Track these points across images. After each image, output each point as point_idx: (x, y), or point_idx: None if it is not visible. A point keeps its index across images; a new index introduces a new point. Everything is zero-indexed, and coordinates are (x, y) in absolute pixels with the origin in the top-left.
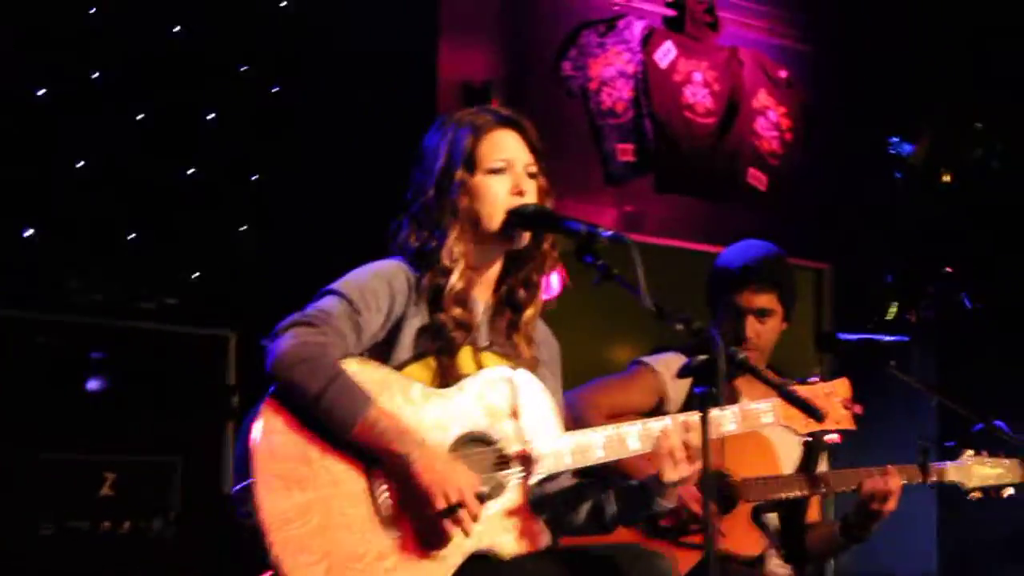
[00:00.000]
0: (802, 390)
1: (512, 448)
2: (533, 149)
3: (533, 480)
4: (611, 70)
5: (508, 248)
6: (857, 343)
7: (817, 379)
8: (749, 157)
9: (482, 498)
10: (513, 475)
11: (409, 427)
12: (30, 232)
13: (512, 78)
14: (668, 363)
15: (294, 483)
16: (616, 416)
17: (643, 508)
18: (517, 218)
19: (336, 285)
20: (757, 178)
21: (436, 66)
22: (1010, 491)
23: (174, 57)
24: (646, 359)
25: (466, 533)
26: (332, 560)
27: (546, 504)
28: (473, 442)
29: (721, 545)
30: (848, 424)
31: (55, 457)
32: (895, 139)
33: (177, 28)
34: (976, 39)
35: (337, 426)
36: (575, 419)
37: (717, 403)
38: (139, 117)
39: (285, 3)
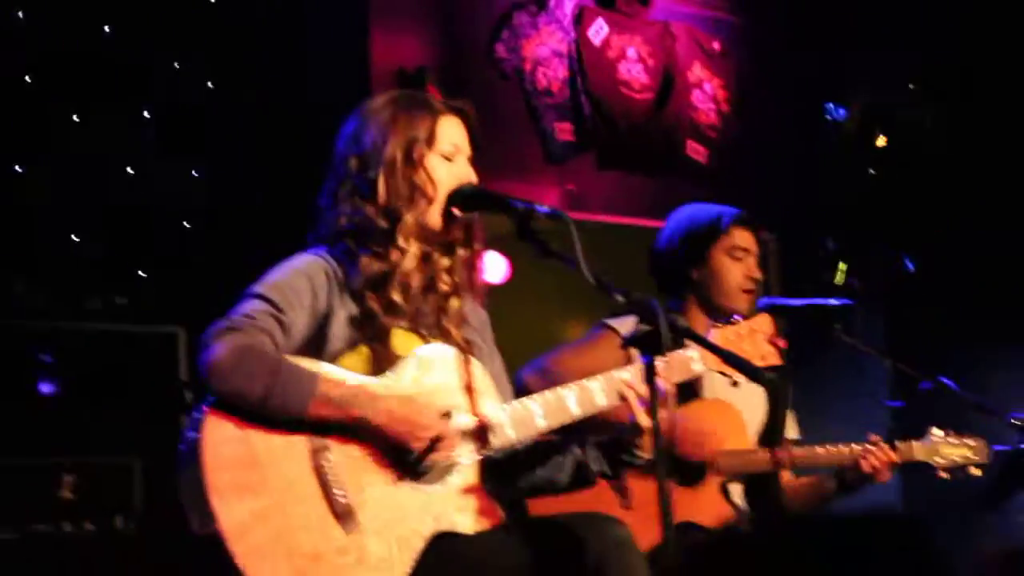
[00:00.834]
0: (728, 331)
1: (461, 430)
2: (474, 141)
3: (488, 455)
4: (545, 50)
5: (446, 235)
6: (802, 308)
7: (738, 318)
8: (688, 130)
9: (446, 414)
10: (464, 452)
11: (358, 386)
12: None
13: (446, 62)
14: (628, 325)
15: (247, 491)
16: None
17: (623, 461)
18: (456, 198)
19: (256, 287)
20: (696, 151)
21: (369, 53)
22: (977, 471)
23: (106, 54)
24: (609, 321)
25: (448, 455)
26: (294, 562)
27: (524, 470)
28: None
29: (689, 516)
30: (775, 359)
31: (12, 463)
32: (829, 104)
33: (107, 29)
34: None
35: (291, 413)
36: (549, 384)
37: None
38: (75, 118)
39: None
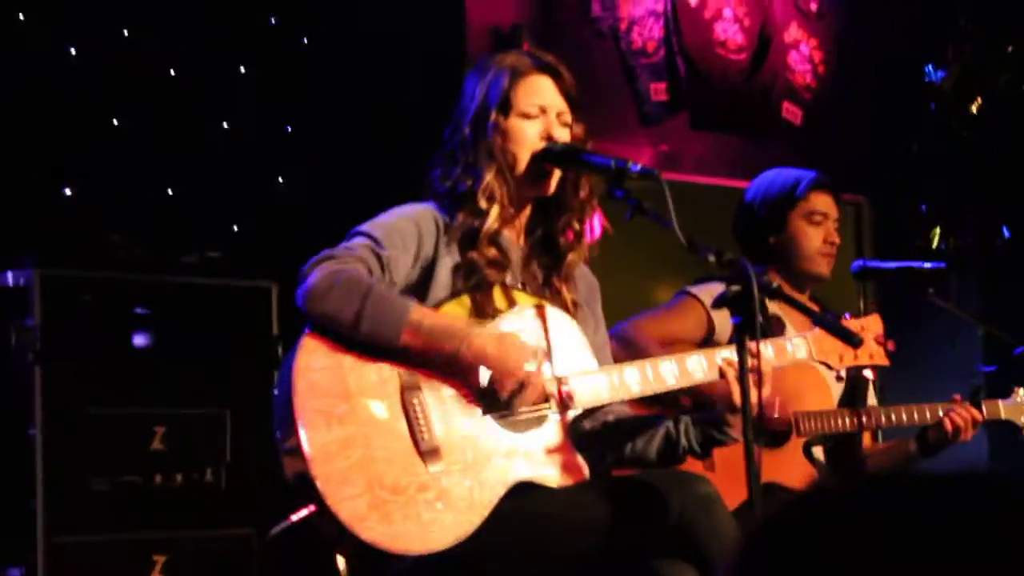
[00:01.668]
0: None
1: (550, 383)
2: (568, 97)
3: (571, 415)
4: (640, 9)
5: (538, 192)
6: (895, 271)
7: (849, 316)
8: (783, 91)
9: (538, 362)
10: (552, 410)
11: (451, 320)
12: (69, 191)
13: (541, 21)
14: (712, 292)
15: (334, 419)
16: (668, 345)
17: (716, 441)
18: (545, 155)
19: (362, 226)
20: (792, 112)
21: (464, 11)
22: None
23: (205, 13)
24: (691, 288)
25: (535, 400)
26: (375, 493)
27: (613, 441)
28: None
29: (773, 477)
30: (881, 359)
31: (105, 413)
32: (929, 67)
33: None
34: None
35: (382, 339)
36: (629, 349)
37: (755, 332)
38: (172, 73)
39: None
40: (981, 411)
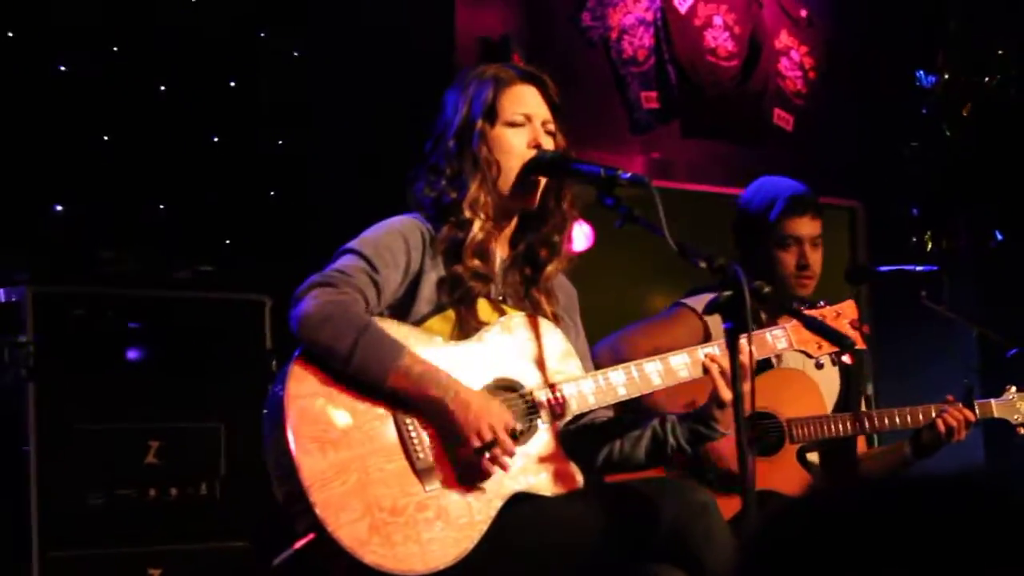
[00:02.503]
0: (813, 314)
1: (539, 393)
2: (552, 106)
3: (563, 422)
4: (631, 18)
5: (524, 203)
6: (887, 274)
7: (824, 303)
8: (774, 98)
9: (516, 435)
10: (543, 419)
11: (442, 371)
12: (61, 207)
13: (531, 31)
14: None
15: (328, 444)
16: None
17: (703, 437)
18: (535, 165)
19: (352, 244)
20: (783, 119)
21: (453, 21)
22: None
23: (195, 27)
24: (686, 300)
25: (503, 468)
26: (374, 515)
27: (601, 443)
28: (500, 389)
29: (768, 485)
30: (859, 344)
31: (99, 428)
32: (920, 73)
33: None
34: None
35: (371, 378)
36: (620, 362)
37: (749, 337)
38: (162, 88)
39: None
40: (974, 411)
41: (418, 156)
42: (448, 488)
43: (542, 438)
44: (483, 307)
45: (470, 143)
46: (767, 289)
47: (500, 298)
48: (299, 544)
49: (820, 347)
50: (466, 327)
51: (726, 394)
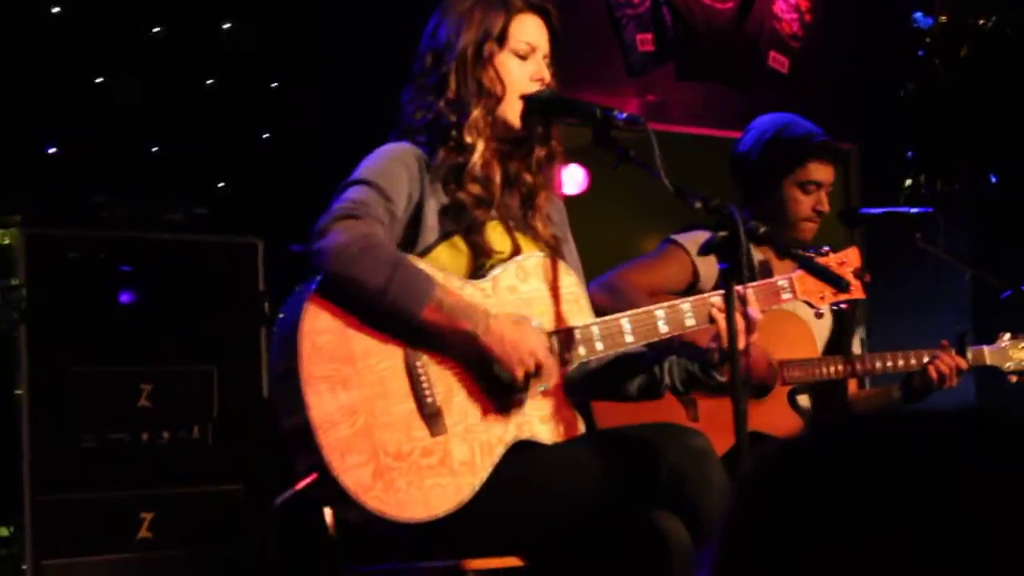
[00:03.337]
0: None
1: (552, 335)
2: (554, 40)
3: (572, 367)
4: None
5: (516, 134)
6: (882, 216)
7: (827, 250)
8: (770, 40)
9: (552, 351)
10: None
11: (473, 303)
12: (54, 149)
13: None
14: (697, 240)
15: (339, 384)
16: (655, 294)
17: (699, 382)
18: (532, 103)
19: (359, 175)
20: (778, 61)
21: None
22: None
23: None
24: (676, 236)
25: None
26: (379, 460)
27: (596, 374)
28: None
29: (757, 426)
30: (859, 293)
31: (91, 371)
32: (918, 14)
33: None
34: None
35: (404, 311)
36: (616, 298)
37: (742, 278)
38: (156, 30)
39: None
40: (967, 358)
41: (410, 77)
42: (453, 434)
43: (547, 383)
44: (494, 232)
45: (475, 65)
46: (763, 230)
47: (506, 219)
48: (301, 484)
49: (823, 298)
50: (479, 255)
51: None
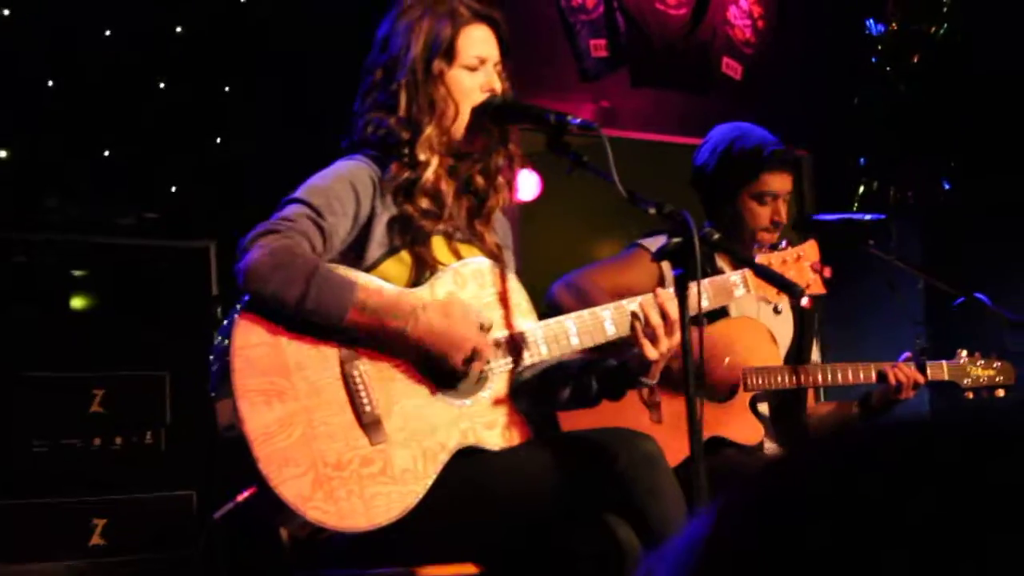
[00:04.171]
0: (773, 257)
1: (494, 339)
2: (503, 48)
3: (519, 369)
4: None
5: (473, 146)
6: (835, 223)
7: (786, 244)
8: (723, 47)
9: (484, 327)
10: (498, 366)
11: (396, 297)
12: (4, 153)
13: None
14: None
15: (274, 396)
16: (618, 297)
17: (626, 385)
18: (485, 109)
19: (298, 193)
20: (732, 67)
21: None
22: (1002, 392)
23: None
24: (642, 240)
25: (483, 367)
26: (318, 470)
27: (529, 384)
28: None
29: (719, 431)
30: (818, 288)
31: (43, 376)
32: (869, 21)
33: None
34: None
35: (326, 319)
36: (580, 299)
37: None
38: (107, 33)
39: None
40: (925, 373)
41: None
42: (394, 441)
43: (496, 385)
44: (438, 245)
45: (425, 83)
46: (716, 236)
47: (452, 231)
48: (241, 497)
49: (779, 292)
50: (422, 267)
51: (651, 353)
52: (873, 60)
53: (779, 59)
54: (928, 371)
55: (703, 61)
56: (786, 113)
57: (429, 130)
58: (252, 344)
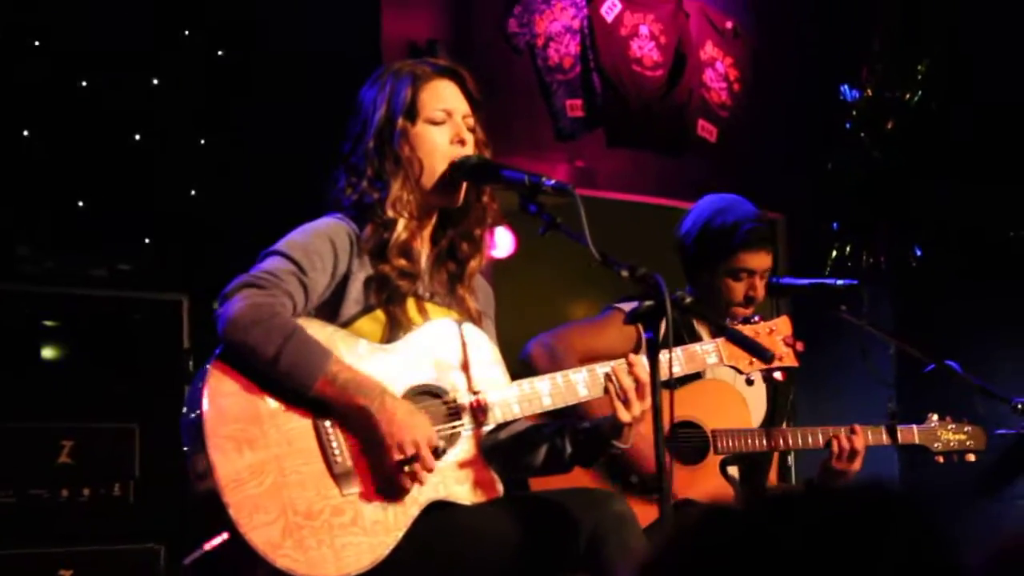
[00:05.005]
0: (746, 330)
1: (462, 399)
2: (471, 100)
3: (485, 430)
4: (557, 25)
5: (447, 201)
6: (808, 287)
7: (759, 319)
8: (699, 109)
9: (437, 451)
10: (465, 426)
11: (369, 378)
12: None
13: (457, 36)
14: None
15: (245, 443)
16: (592, 359)
17: (599, 450)
18: (460, 169)
19: (279, 246)
20: (707, 130)
21: (379, 26)
22: (972, 457)
23: (120, 24)
24: (618, 304)
25: (420, 484)
26: (288, 518)
27: (502, 447)
28: (423, 395)
29: (689, 494)
30: (791, 361)
31: (12, 426)
32: (844, 87)
33: None
34: None
35: (297, 384)
36: (553, 360)
37: (669, 346)
38: (83, 84)
39: None
40: (896, 437)
41: (338, 158)
42: (365, 493)
43: (463, 446)
44: (412, 307)
45: (391, 142)
46: (688, 300)
47: (428, 295)
48: (210, 544)
49: (752, 363)
50: (395, 327)
51: (623, 415)
52: (848, 126)
53: (755, 122)
54: (899, 435)
55: (679, 123)
56: (760, 176)
57: (396, 189)
58: (225, 393)
